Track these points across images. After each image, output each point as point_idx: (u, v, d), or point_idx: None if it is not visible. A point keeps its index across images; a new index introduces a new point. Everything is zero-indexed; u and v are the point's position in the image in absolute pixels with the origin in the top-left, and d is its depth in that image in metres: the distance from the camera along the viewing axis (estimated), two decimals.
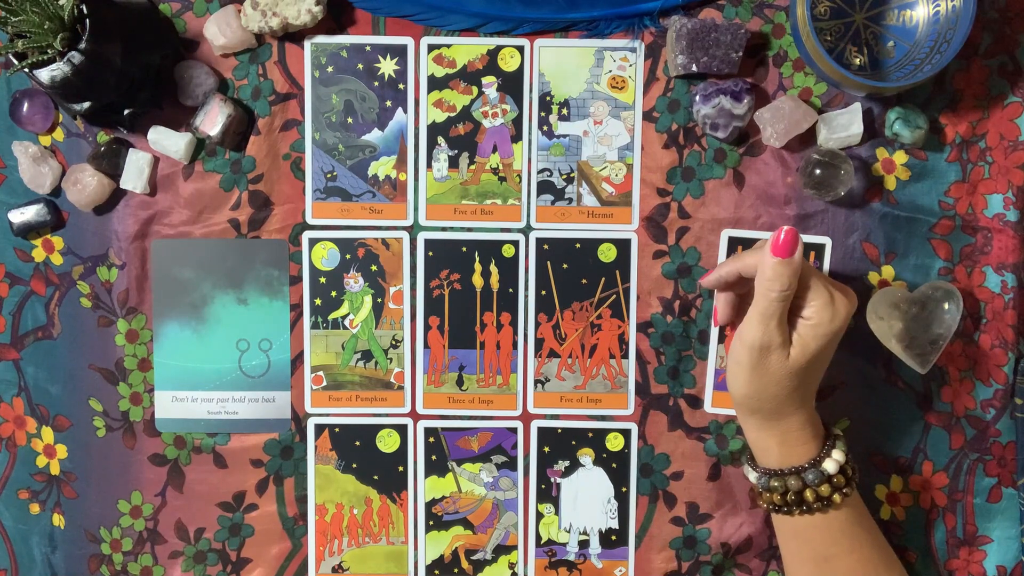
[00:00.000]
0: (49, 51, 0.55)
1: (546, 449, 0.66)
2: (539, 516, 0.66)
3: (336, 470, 0.66)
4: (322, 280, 0.65)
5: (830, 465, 0.56)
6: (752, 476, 0.59)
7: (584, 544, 0.66)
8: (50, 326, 0.65)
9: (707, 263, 0.64)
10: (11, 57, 0.56)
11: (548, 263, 0.65)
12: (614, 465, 0.66)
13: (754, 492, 0.62)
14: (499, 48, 0.64)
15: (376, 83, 0.64)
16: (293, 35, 0.63)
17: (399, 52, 0.64)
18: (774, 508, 0.58)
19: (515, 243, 0.65)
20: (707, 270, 0.64)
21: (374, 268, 0.65)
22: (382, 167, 0.65)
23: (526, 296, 0.65)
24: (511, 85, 0.64)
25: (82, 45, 0.55)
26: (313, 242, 0.65)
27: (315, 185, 0.65)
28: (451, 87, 0.64)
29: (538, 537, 0.67)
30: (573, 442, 0.66)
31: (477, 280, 0.65)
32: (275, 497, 0.66)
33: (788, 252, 0.53)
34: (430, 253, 0.65)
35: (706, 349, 0.65)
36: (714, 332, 0.65)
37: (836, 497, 0.56)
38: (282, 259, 0.65)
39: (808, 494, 0.56)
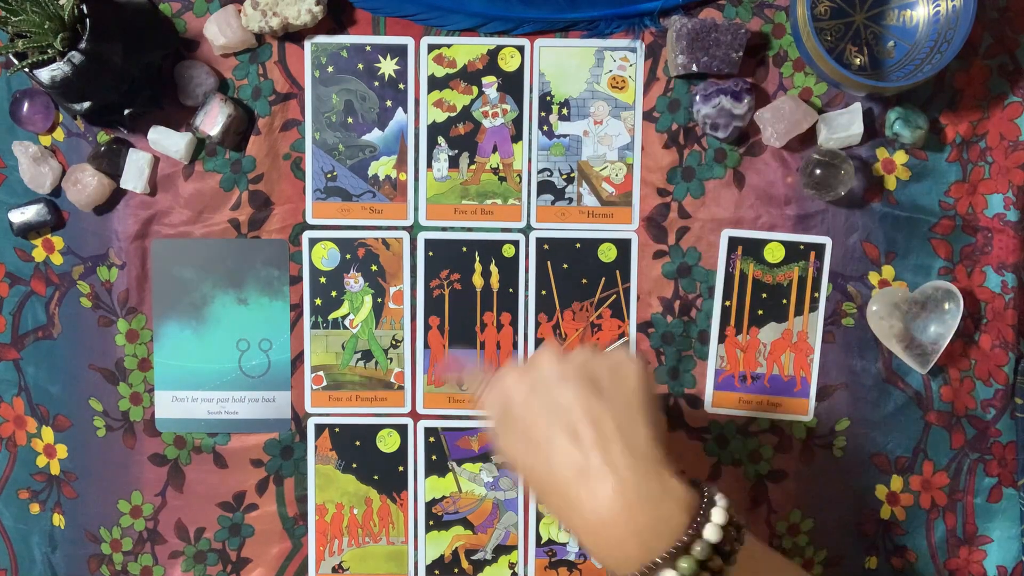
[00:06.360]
0: (49, 51, 0.55)
1: None
2: (539, 516, 0.66)
3: (336, 470, 0.66)
4: (322, 280, 0.65)
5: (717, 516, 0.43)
6: None
7: None
8: (50, 326, 0.65)
9: (707, 263, 0.64)
10: (11, 57, 0.56)
11: (548, 263, 0.65)
12: None
13: None
14: (499, 48, 0.64)
15: (376, 83, 0.64)
16: (293, 35, 0.63)
17: (399, 52, 0.64)
18: None
19: (515, 243, 0.65)
20: (707, 270, 0.64)
21: (374, 268, 0.65)
22: (382, 167, 0.65)
23: (526, 296, 0.65)
24: (511, 85, 0.64)
25: (82, 45, 0.55)
26: (313, 242, 0.65)
27: (315, 185, 0.65)
28: (451, 87, 0.64)
29: (538, 537, 0.66)
30: None
31: (477, 280, 0.65)
32: (275, 497, 0.66)
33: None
34: (430, 253, 0.65)
35: (706, 349, 0.65)
36: (714, 332, 0.65)
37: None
38: (282, 259, 0.65)
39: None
